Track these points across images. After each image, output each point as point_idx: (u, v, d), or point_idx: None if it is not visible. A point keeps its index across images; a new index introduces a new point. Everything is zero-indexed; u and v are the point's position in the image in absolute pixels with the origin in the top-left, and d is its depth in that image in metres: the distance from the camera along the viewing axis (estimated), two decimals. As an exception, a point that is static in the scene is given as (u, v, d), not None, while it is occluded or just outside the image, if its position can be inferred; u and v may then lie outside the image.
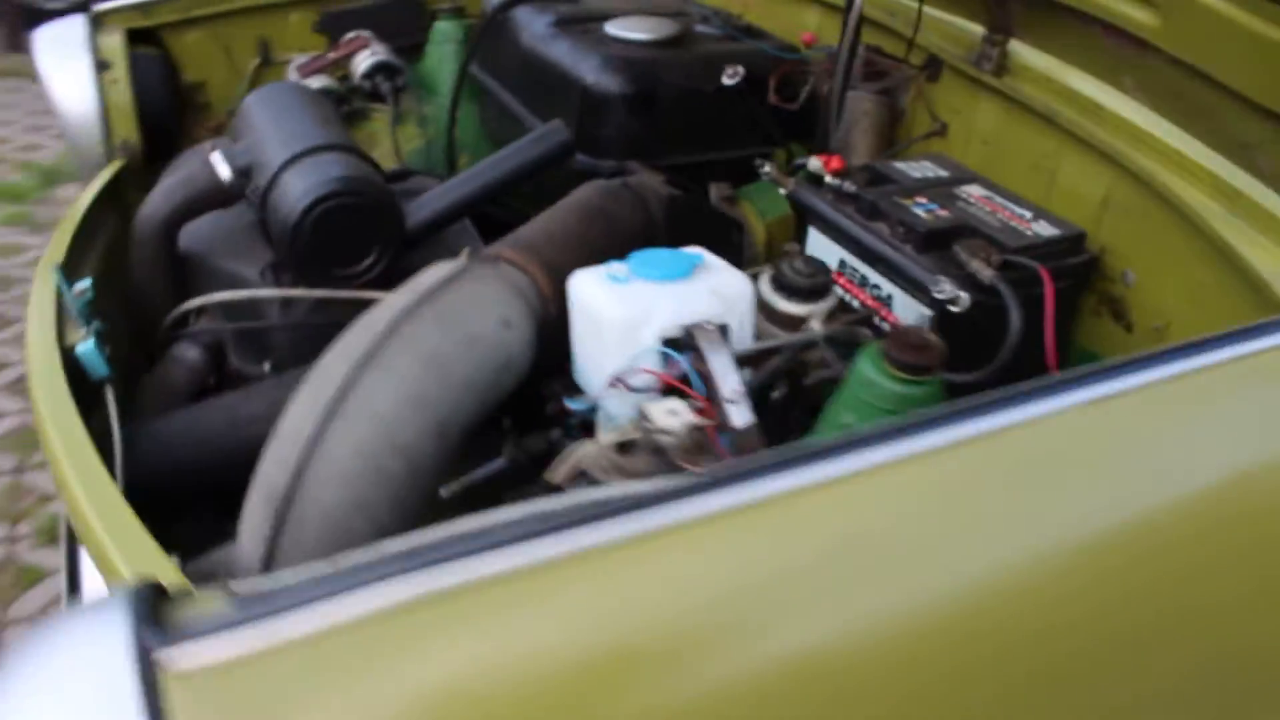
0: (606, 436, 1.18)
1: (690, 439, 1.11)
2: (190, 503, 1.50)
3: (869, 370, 1.19)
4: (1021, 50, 1.64)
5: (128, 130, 2.02)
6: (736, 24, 2.01)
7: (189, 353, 1.75)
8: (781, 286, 1.37)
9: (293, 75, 2.34)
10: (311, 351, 1.66)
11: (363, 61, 2.28)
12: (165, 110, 2.17)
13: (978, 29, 1.69)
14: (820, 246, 1.60)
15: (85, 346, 1.42)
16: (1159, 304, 1.43)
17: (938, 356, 1.16)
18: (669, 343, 1.24)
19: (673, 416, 1.12)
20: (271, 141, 1.67)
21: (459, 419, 1.26)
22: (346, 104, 2.27)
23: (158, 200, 1.69)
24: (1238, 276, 1.28)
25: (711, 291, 1.29)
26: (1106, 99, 1.49)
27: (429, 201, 1.68)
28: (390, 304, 1.28)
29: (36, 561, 2.49)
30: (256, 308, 1.66)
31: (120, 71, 2.04)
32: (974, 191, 1.56)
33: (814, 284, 1.36)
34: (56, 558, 2.48)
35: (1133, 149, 1.43)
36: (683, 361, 1.22)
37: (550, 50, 1.92)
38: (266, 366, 1.72)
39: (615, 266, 1.31)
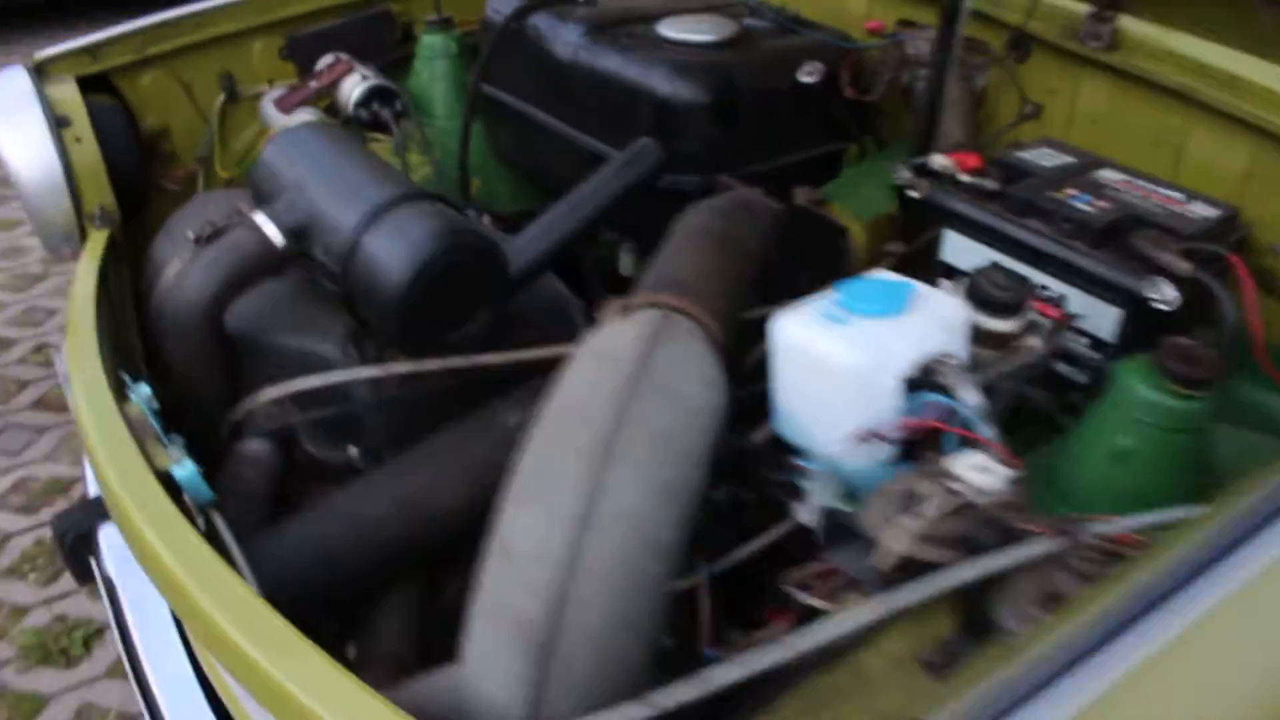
0: (886, 507, 1.06)
1: (1015, 494, 1.00)
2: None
3: (1143, 388, 1.11)
4: (1131, 25, 1.59)
5: (100, 194, 1.76)
6: (785, 15, 1.89)
7: (259, 448, 1.53)
8: (983, 303, 1.27)
9: (270, 111, 2.10)
10: (406, 430, 1.48)
11: (354, 89, 2.06)
12: (134, 166, 1.91)
13: (1069, 6, 1.63)
14: (960, 250, 1.51)
15: (186, 470, 1.20)
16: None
17: (1216, 368, 1.09)
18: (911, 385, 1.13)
19: (985, 474, 1.01)
20: (327, 196, 1.46)
21: (695, 501, 1.11)
22: None
23: (199, 278, 1.45)
24: None
25: (937, 321, 1.18)
26: (1242, 69, 1.45)
27: (529, 243, 1.51)
28: (597, 383, 1.11)
29: (30, 687, 2.18)
30: (335, 387, 1.46)
31: (82, 127, 1.77)
32: (1112, 177, 1.50)
33: (1016, 297, 1.27)
34: (51, 679, 2.18)
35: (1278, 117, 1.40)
36: (957, 405, 1.11)
37: (599, 61, 1.76)
38: (354, 452, 1.52)
39: (824, 305, 1.19)
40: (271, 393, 1.44)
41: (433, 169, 2.12)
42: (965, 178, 1.49)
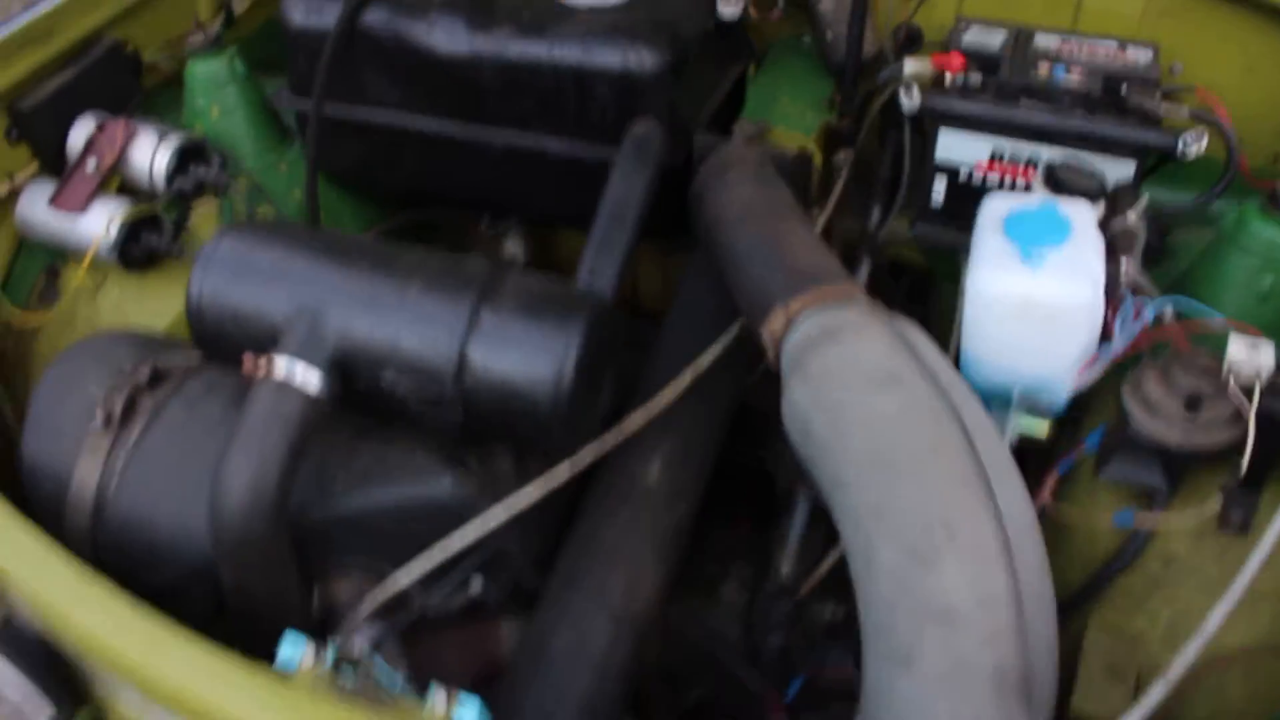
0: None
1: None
2: None
3: (1266, 227, 1.26)
4: None
5: None
6: None
7: (378, 634, 1.27)
8: (1072, 193, 1.35)
9: (42, 216, 1.63)
10: (541, 539, 1.30)
11: (158, 158, 1.65)
12: None
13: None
14: (956, 148, 1.57)
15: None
16: (1211, 81, 1.63)
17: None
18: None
19: (1255, 351, 1.11)
20: (365, 311, 1.19)
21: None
22: (158, 230, 1.64)
23: (249, 473, 1.14)
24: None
25: (1092, 229, 1.24)
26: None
27: (600, 277, 1.34)
28: (909, 408, 1.04)
29: None
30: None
31: None
32: (1050, 41, 1.61)
33: (1098, 182, 1.36)
34: None
35: None
36: (1150, 308, 1.19)
37: (509, 48, 1.54)
38: (477, 586, 1.29)
39: (1003, 249, 1.20)
40: (417, 569, 1.19)
41: (268, 219, 1.78)
42: (954, 77, 1.53)
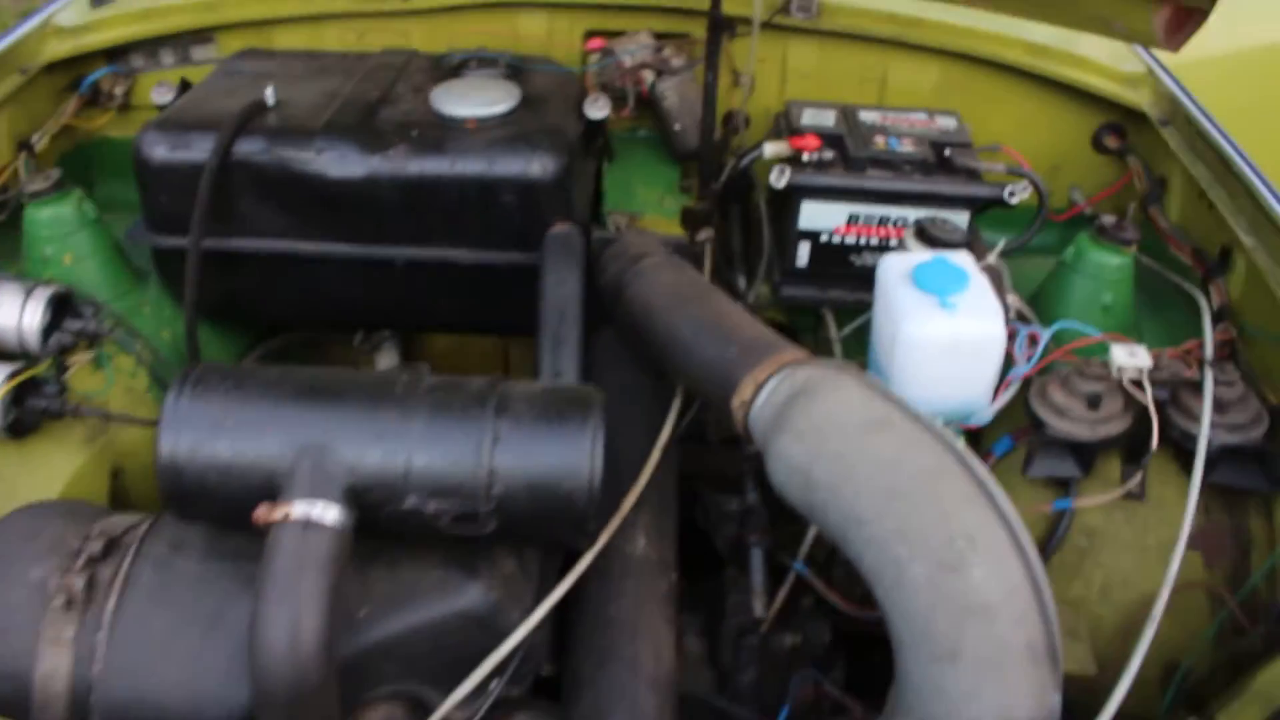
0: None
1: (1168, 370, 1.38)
2: None
3: (1099, 253, 1.55)
4: None
5: None
6: (511, 60, 1.84)
7: None
8: (940, 245, 1.58)
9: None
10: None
11: (27, 315, 1.53)
12: None
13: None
14: (817, 216, 1.78)
15: None
16: (995, 136, 1.94)
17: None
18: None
19: (1133, 356, 1.37)
20: (372, 440, 1.20)
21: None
22: (38, 392, 1.52)
23: (288, 617, 1.11)
24: (1054, 95, 1.89)
25: (980, 273, 1.47)
26: (922, 11, 1.90)
27: (561, 366, 1.42)
28: (908, 443, 1.19)
29: None
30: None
31: None
32: (871, 116, 1.86)
33: (960, 234, 1.61)
34: None
35: (954, 41, 1.89)
36: (1043, 334, 1.43)
37: (409, 167, 1.59)
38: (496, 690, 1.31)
39: (918, 301, 1.40)
40: (468, 685, 1.20)
41: (147, 363, 1.68)
42: (809, 156, 1.74)
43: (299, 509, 1.14)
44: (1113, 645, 1.40)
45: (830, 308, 1.85)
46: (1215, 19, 1.39)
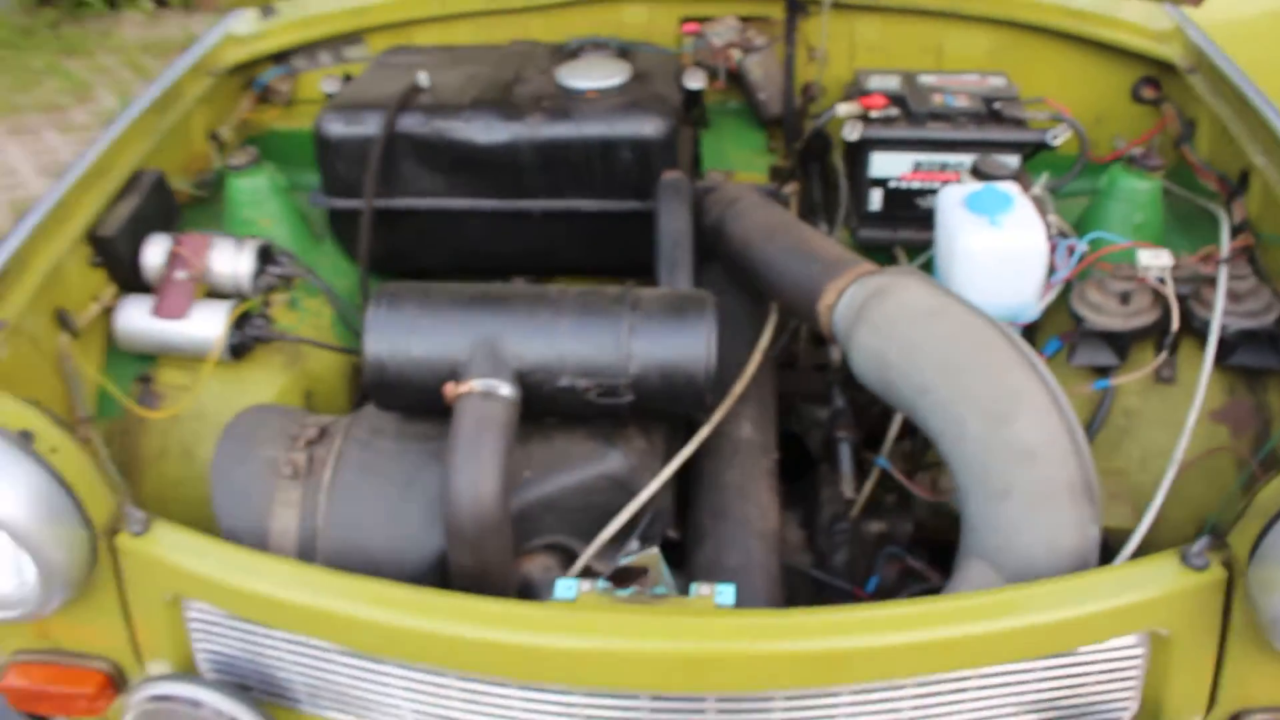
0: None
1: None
2: None
3: (1142, 182, 1.81)
4: None
5: (106, 497, 1.45)
6: (618, 43, 2.17)
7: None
8: (993, 179, 1.85)
9: (142, 324, 1.84)
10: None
11: (241, 263, 1.89)
12: None
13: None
14: (886, 165, 2.06)
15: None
16: (1040, 92, 2.20)
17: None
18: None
19: (1157, 258, 1.62)
20: (534, 333, 1.51)
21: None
22: (251, 323, 1.87)
23: (475, 467, 1.41)
24: (1094, 54, 2.14)
25: (1025, 198, 1.74)
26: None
27: (676, 285, 1.72)
28: (960, 325, 1.47)
29: None
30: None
31: (49, 430, 1.45)
32: (929, 79, 2.14)
33: (1010, 170, 1.87)
34: None
35: (1002, 10, 2.17)
36: (1078, 244, 1.70)
37: (542, 132, 1.91)
38: (634, 545, 1.60)
39: (970, 220, 1.67)
40: (612, 528, 1.49)
41: (332, 309, 2.04)
42: (877, 113, 2.02)
43: (479, 384, 1.47)
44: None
45: (902, 246, 2.12)
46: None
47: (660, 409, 1.55)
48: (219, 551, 1.42)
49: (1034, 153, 2.00)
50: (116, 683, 1.59)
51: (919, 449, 1.87)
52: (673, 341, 1.50)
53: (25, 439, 1.40)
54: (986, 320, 1.48)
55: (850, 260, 1.65)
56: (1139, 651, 1.36)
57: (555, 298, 1.56)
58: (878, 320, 1.54)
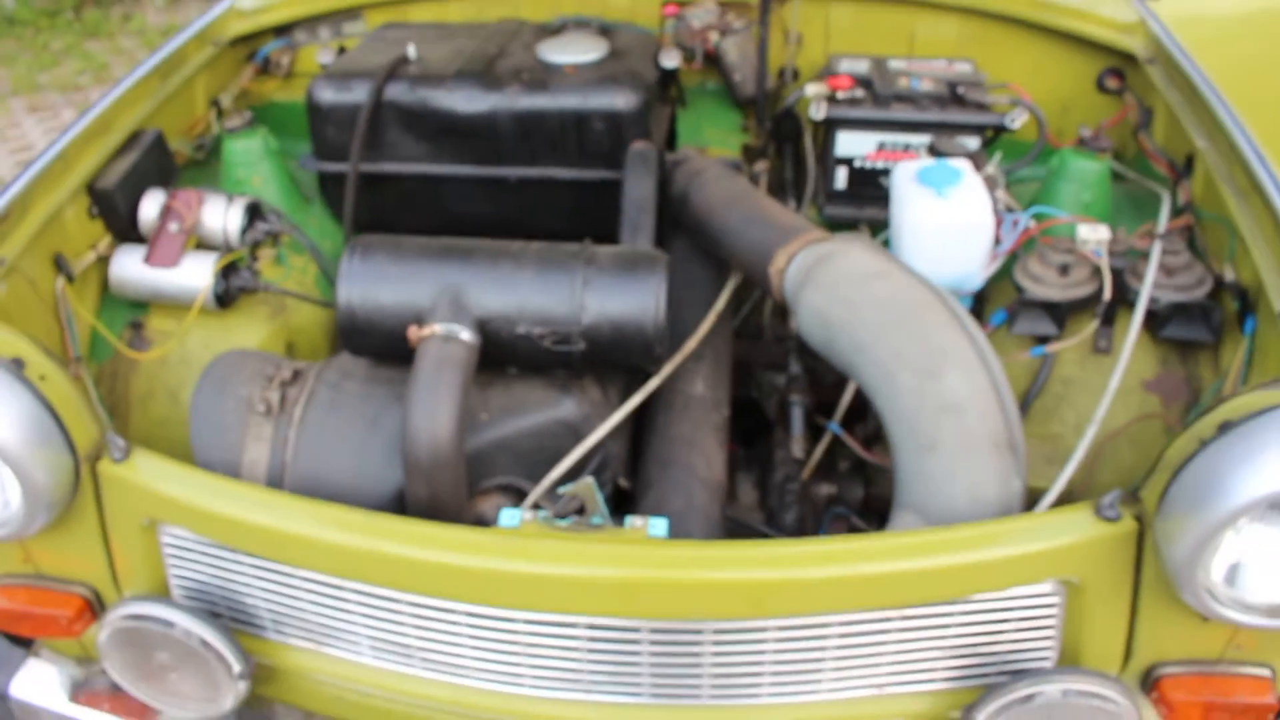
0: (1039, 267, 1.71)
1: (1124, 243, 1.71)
2: None
3: (1078, 160, 1.88)
4: None
5: (90, 427, 1.54)
6: (601, 23, 2.26)
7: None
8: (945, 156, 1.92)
9: (135, 271, 1.93)
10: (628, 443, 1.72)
11: (230, 217, 1.99)
12: None
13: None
14: (851, 144, 2.14)
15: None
16: (1010, 79, 2.28)
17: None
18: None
19: (1095, 231, 1.70)
20: (492, 285, 1.60)
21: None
22: (237, 274, 1.96)
23: (433, 403, 1.50)
24: (1062, 44, 2.21)
25: (974, 173, 1.82)
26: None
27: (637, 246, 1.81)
28: (898, 286, 1.55)
29: None
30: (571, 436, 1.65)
31: (39, 360, 1.55)
32: (901, 64, 2.22)
33: (965, 149, 1.95)
34: None
35: (973, 1, 2.25)
36: (1022, 217, 1.77)
37: (521, 102, 1.99)
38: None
39: (920, 192, 1.75)
40: (561, 468, 1.57)
41: (316, 266, 2.13)
42: (843, 94, 2.10)
43: (441, 328, 1.56)
44: (1085, 470, 1.72)
45: (866, 224, 2.20)
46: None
47: (612, 359, 1.63)
48: (193, 477, 1.51)
49: (995, 135, 2.08)
50: (94, 607, 1.69)
51: (876, 424, 1.94)
52: (624, 295, 1.58)
53: (16, 365, 1.50)
54: (922, 283, 1.56)
55: (802, 227, 1.73)
56: (1054, 600, 1.43)
57: (516, 252, 1.65)
58: (822, 281, 1.62)
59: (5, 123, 5.87)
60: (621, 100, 1.97)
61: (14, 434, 1.46)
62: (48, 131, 5.74)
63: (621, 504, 1.72)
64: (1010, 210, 1.80)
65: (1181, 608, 1.37)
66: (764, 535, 1.86)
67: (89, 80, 6.40)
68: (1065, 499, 1.51)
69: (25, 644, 1.83)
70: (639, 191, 1.87)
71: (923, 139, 2.08)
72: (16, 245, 1.75)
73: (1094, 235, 1.69)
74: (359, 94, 2.03)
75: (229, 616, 1.62)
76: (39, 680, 1.79)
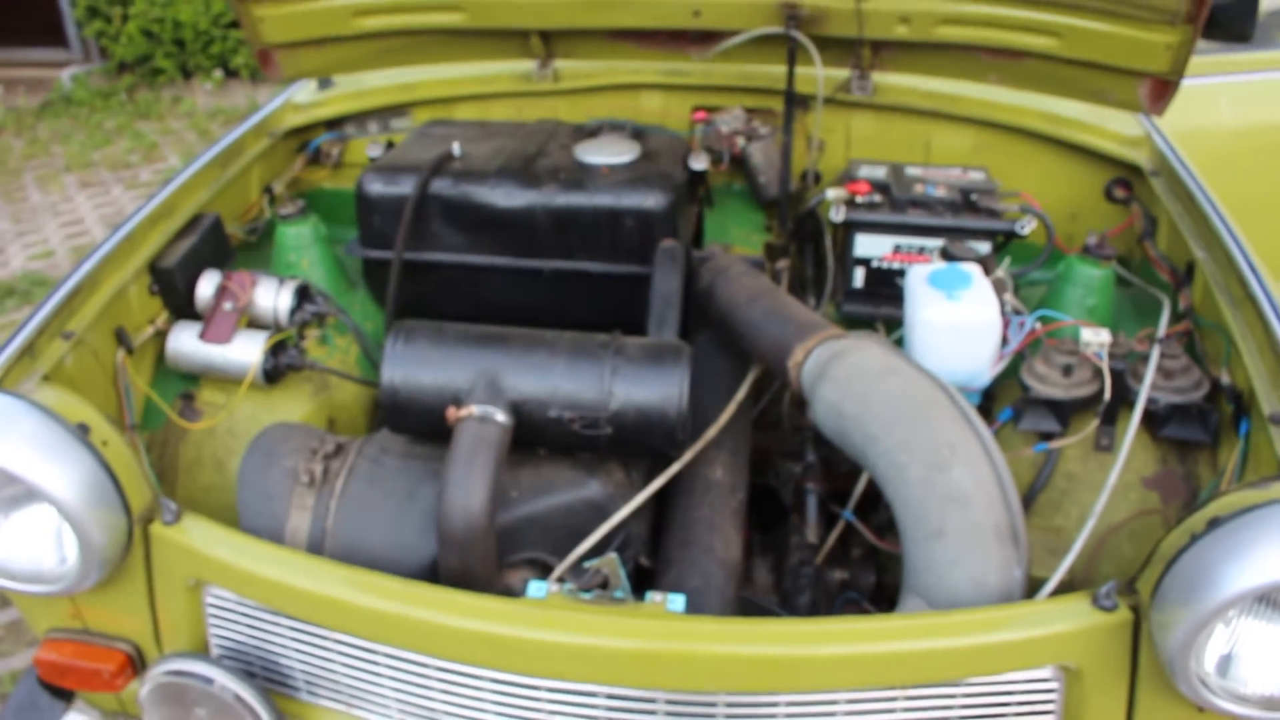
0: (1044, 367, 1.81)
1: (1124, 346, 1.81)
2: None
3: (1084, 267, 1.99)
4: (879, 77, 2.47)
5: (144, 490, 1.65)
6: (634, 127, 2.41)
7: None
8: (958, 260, 2.04)
9: (190, 346, 2.06)
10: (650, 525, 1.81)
11: (281, 298, 2.12)
12: None
13: (831, 72, 2.44)
14: (868, 246, 2.26)
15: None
16: (1020, 188, 2.40)
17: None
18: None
19: (1097, 335, 1.80)
20: (528, 371, 1.72)
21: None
22: (286, 352, 2.09)
23: (469, 488, 1.60)
24: (1071, 155, 2.35)
25: (983, 278, 1.93)
26: (958, 89, 2.41)
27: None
28: (910, 382, 1.65)
29: None
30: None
31: (102, 426, 1.66)
32: (915, 171, 2.36)
33: (976, 254, 2.07)
34: None
35: (987, 113, 2.39)
36: (1028, 320, 1.88)
37: (557, 200, 2.12)
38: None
39: (931, 294, 1.86)
40: (585, 545, 1.66)
41: (359, 347, 2.25)
42: (861, 198, 2.23)
43: (478, 409, 1.66)
44: (1086, 562, 1.79)
45: (882, 321, 2.31)
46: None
47: (637, 443, 1.73)
48: (239, 541, 1.60)
49: (1006, 241, 2.19)
50: (135, 663, 1.77)
51: (889, 514, 2.02)
52: (649, 384, 1.69)
53: (82, 430, 1.61)
54: (932, 380, 1.66)
55: (820, 324, 1.84)
56: (1054, 686, 1.49)
57: (550, 340, 1.76)
58: (838, 376, 1.72)
59: (59, 198, 6.13)
60: (652, 200, 2.10)
61: (76, 494, 1.57)
62: (98, 207, 5.98)
63: (642, 581, 1.80)
64: (1017, 312, 1.90)
65: (1178, 698, 1.42)
66: (778, 616, 1.92)
67: (139, 159, 6.68)
68: (1067, 590, 1.57)
69: (65, 696, 1.90)
70: (666, 286, 1.99)
71: (936, 242, 2.19)
72: (85, 319, 1.87)
73: (1096, 338, 1.79)
74: (405, 187, 2.17)
75: (264, 676, 1.70)
76: (78, 734, 1.86)
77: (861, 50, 2.41)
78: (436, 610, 1.47)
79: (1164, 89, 2.07)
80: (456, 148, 2.26)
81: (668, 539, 1.81)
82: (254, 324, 2.12)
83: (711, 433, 1.84)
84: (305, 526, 1.73)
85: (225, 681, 1.62)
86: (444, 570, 1.63)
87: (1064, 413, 1.83)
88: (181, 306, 2.12)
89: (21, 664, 2.93)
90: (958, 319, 1.82)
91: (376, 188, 2.21)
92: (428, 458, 1.78)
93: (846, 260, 2.28)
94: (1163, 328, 1.90)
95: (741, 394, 1.95)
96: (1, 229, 5.67)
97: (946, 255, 2.04)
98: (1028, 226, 2.14)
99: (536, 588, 1.50)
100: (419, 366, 1.75)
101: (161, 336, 2.09)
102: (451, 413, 1.68)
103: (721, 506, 1.84)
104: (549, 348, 1.74)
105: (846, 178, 2.32)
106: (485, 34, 2.54)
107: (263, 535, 1.72)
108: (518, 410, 1.70)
